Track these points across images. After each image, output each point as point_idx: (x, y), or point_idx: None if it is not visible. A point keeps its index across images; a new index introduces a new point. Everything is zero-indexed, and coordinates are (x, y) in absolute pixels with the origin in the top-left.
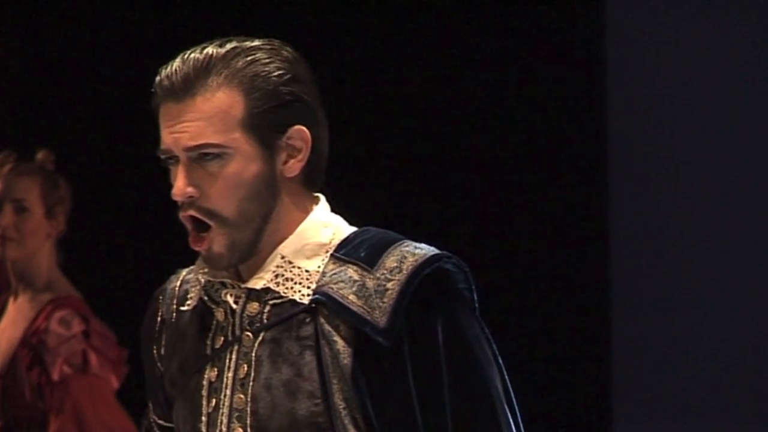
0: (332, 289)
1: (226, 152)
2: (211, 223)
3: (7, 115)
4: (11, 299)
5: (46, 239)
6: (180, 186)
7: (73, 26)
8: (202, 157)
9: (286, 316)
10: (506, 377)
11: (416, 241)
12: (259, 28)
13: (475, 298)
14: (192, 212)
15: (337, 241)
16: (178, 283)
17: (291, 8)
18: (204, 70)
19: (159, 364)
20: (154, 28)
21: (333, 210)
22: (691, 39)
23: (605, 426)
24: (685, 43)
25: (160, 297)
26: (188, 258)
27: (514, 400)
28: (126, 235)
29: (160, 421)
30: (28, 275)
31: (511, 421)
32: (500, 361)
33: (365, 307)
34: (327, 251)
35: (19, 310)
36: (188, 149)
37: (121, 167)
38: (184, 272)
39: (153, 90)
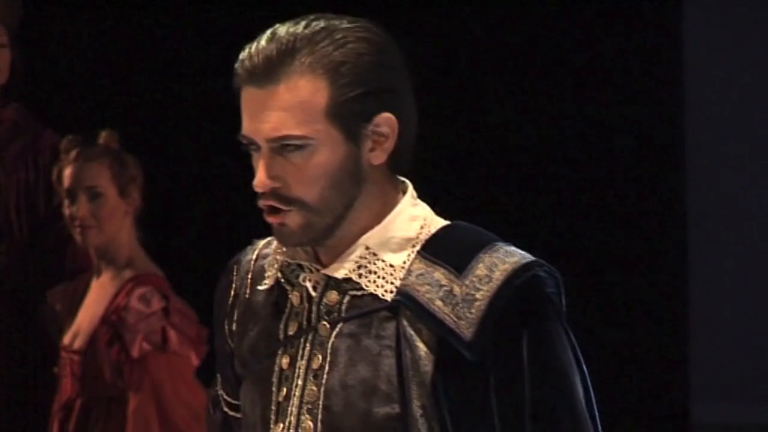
0: (418, 291)
1: (308, 143)
2: (290, 208)
3: (68, 98)
4: (94, 278)
5: (123, 218)
6: (261, 178)
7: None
8: (284, 147)
9: (367, 311)
10: (590, 389)
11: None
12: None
13: (564, 302)
14: (272, 202)
15: (424, 237)
16: (254, 257)
17: None
18: (288, 54)
19: (230, 341)
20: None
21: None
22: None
23: (683, 404)
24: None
25: (235, 269)
26: (268, 235)
27: (596, 413)
28: (208, 212)
29: (228, 398)
30: (110, 255)
31: None
32: (585, 371)
33: (451, 315)
34: (414, 246)
35: (101, 287)
36: (270, 140)
37: (198, 144)
38: (261, 244)
39: (235, 70)
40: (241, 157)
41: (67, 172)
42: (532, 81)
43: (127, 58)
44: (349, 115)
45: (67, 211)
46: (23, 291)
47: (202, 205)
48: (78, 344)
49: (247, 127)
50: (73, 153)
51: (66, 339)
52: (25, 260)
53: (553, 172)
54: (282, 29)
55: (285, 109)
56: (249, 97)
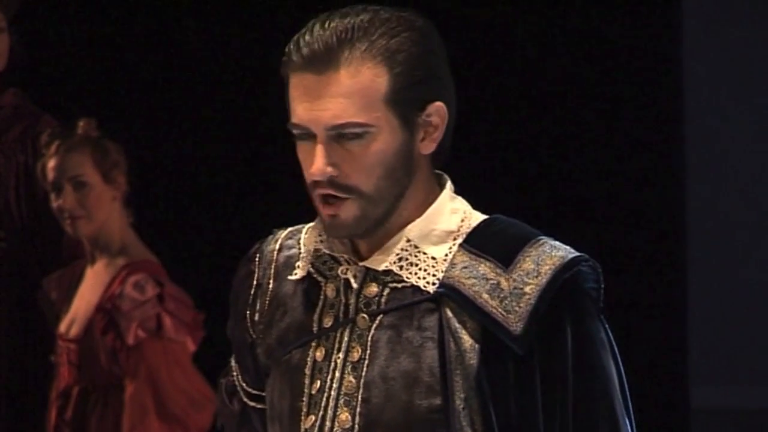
0: (464, 284)
1: (368, 131)
2: (348, 196)
3: (63, 83)
4: (88, 265)
5: (111, 204)
6: (320, 166)
7: None
8: (342, 135)
9: (408, 303)
10: (625, 381)
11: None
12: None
13: (602, 297)
14: (330, 190)
15: (466, 230)
16: (277, 247)
17: None
18: (348, 41)
19: (251, 331)
20: None
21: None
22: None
23: (682, 389)
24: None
25: (257, 258)
26: (263, 219)
27: (630, 405)
28: (201, 199)
29: (248, 388)
30: (103, 241)
31: None
32: (620, 363)
33: (499, 309)
34: (455, 239)
35: (95, 275)
36: (329, 128)
37: (190, 126)
38: (282, 235)
39: (286, 57)
40: (234, 139)
41: (50, 165)
42: (530, 78)
43: (122, 42)
44: (405, 103)
45: (54, 204)
46: (22, 276)
47: (196, 190)
48: (74, 332)
49: (303, 116)
50: (54, 146)
51: (62, 327)
52: (24, 244)
53: (550, 169)
54: (334, 19)
55: (346, 96)
56: (305, 83)
